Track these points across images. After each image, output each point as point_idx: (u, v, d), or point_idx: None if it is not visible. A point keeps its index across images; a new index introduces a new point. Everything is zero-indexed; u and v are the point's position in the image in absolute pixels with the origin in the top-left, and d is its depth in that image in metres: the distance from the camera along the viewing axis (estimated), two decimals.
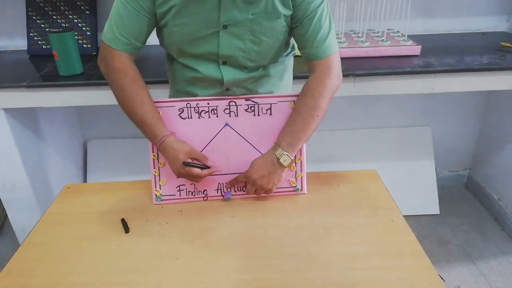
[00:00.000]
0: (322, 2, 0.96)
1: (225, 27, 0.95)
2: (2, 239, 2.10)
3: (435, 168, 2.18)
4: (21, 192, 1.69)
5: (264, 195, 1.04)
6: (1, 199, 1.72)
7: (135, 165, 2.00)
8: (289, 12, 0.96)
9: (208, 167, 0.98)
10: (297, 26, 0.98)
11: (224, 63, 1.02)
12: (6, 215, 1.90)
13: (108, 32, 0.97)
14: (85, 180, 2.17)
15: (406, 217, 0.97)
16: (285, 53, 1.12)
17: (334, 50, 1.00)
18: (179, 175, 0.99)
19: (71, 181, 1.37)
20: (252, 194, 1.03)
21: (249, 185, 1.02)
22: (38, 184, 1.74)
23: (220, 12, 0.93)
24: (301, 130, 0.98)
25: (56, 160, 1.93)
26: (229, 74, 1.03)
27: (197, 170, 0.96)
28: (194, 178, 0.98)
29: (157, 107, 0.99)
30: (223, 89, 1.07)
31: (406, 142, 2.18)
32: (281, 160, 0.98)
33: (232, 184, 1.04)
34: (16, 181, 1.67)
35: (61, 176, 1.94)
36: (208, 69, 1.03)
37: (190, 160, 0.97)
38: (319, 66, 1.00)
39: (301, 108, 0.99)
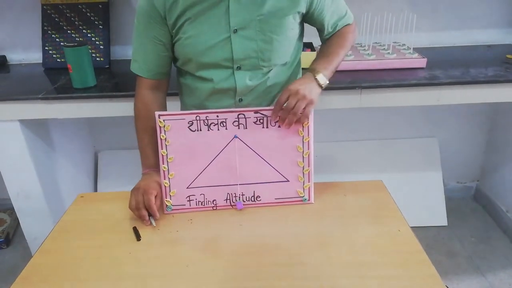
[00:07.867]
0: None
1: (235, 31, 0.99)
2: (13, 248, 2.13)
3: (443, 180, 2.18)
4: (34, 202, 1.73)
5: (298, 122, 0.99)
6: (15, 208, 1.75)
7: None
8: (296, 9, 1.01)
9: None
10: (312, 11, 1.06)
11: (239, 68, 1.05)
12: (18, 223, 1.94)
13: (133, 62, 1.09)
14: (95, 190, 2.21)
15: (414, 228, 0.98)
16: (296, 52, 1.13)
17: (350, 21, 1.15)
18: (130, 204, 1.02)
19: (82, 191, 1.40)
20: (285, 117, 0.98)
21: (291, 98, 0.96)
22: (50, 194, 1.78)
23: (229, 17, 0.97)
24: (331, 54, 1.08)
25: (68, 170, 1.97)
26: (242, 80, 1.06)
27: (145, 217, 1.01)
28: (138, 212, 1.01)
29: (166, 120, 1.01)
30: (236, 99, 1.10)
31: (413, 153, 2.19)
32: (318, 78, 1.01)
33: (275, 111, 0.99)
34: (30, 191, 1.70)
35: (72, 186, 1.98)
36: (222, 78, 1.05)
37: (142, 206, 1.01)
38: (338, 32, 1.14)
39: (329, 45, 1.12)
